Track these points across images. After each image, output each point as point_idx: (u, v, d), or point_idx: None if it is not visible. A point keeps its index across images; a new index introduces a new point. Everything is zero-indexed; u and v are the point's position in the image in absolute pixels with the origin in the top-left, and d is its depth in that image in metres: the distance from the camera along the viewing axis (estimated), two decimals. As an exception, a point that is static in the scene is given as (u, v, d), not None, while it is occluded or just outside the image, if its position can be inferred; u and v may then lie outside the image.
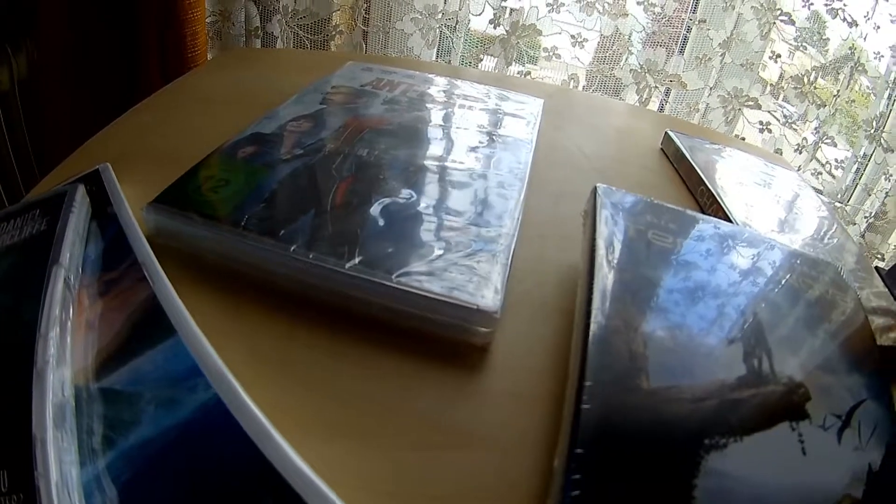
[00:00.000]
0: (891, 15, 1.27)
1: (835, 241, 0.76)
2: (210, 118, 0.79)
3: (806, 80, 1.35)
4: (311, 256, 0.50)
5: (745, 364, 0.45)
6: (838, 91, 1.35)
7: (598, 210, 0.57)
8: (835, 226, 0.80)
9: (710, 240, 0.57)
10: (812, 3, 1.30)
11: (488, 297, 0.48)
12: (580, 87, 1.45)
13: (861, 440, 0.42)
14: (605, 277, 0.49)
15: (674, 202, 0.62)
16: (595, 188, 0.60)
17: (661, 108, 1.48)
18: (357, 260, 0.50)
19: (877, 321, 0.59)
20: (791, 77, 1.36)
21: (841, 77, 1.34)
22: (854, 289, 0.56)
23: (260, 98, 0.83)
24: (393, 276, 0.49)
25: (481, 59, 1.46)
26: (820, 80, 1.35)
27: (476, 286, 0.49)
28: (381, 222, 0.56)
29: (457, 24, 1.42)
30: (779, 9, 1.30)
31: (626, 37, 1.38)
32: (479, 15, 1.40)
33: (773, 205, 0.83)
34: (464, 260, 0.52)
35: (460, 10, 1.40)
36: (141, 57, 1.31)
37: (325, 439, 0.40)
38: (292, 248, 0.51)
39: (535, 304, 0.56)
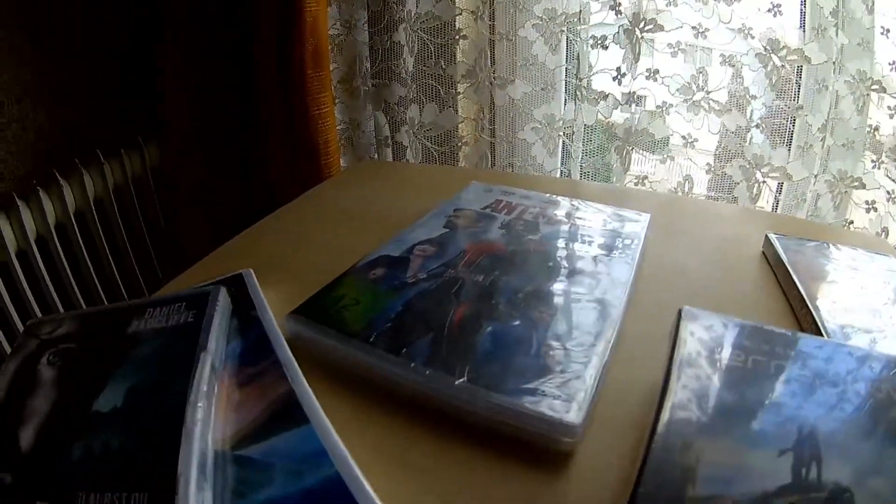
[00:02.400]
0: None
1: None
2: (341, 232, 0.86)
3: None
4: (427, 372, 0.58)
5: (793, 472, 0.47)
6: None
7: (679, 332, 0.60)
8: None
9: (785, 355, 0.58)
10: None
11: (572, 412, 0.53)
12: (694, 188, 1.44)
13: None
14: (676, 397, 0.53)
15: (767, 313, 0.68)
16: (680, 311, 0.62)
17: (776, 204, 1.45)
18: (466, 377, 0.57)
19: None
20: (890, 148, 1.30)
21: None
22: None
23: (388, 215, 0.91)
24: (494, 392, 0.55)
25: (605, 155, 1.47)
26: None
27: (563, 403, 0.54)
28: (490, 345, 0.62)
29: (574, 132, 1.45)
30: (870, 78, 1.25)
31: (735, 133, 1.36)
32: (592, 125, 1.42)
33: (873, 302, 0.79)
34: (557, 379, 0.57)
35: (576, 118, 1.43)
36: (272, 164, 1.41)
37: None
38: (412, 365, 0.59)
39: (619, 420, 0.58)
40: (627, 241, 0.89)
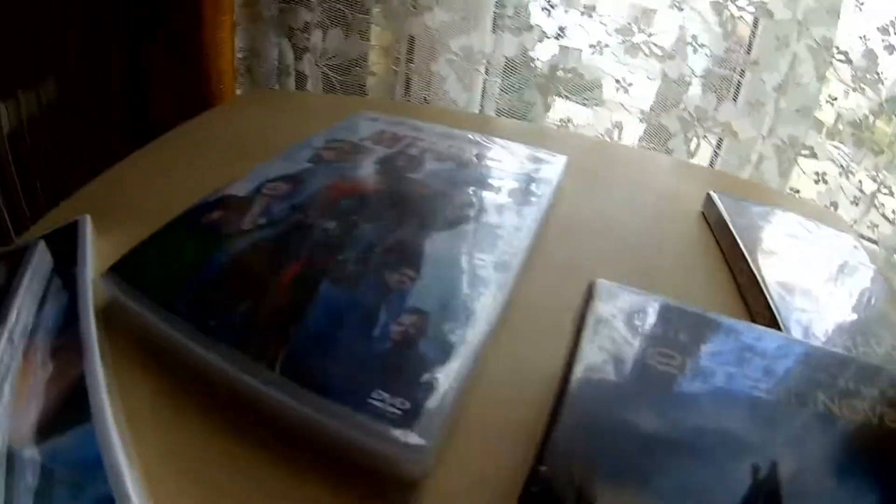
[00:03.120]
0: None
1: (883, 314, 0.67)
2: (210, 169, 0.74)
3: (864, 125, 1.24)
4: (235, 355, 0.45)
5: None
6: (894, 135, 1.24)
7: (587, 318, 0.46)
8: (884, 297, 0.70)
9: (728, 359, 0.45)
10: (868, 38, 1.19)
11: (421, 427, 0.40)
12: (624, 138, 1.36)
13: None
14: (573, 420, 0.39)
15: (707, 286, 0.61)
16: (591, 284, 0.50)
17: (714, 161, 1.39)
18: (279, 365, 0.44)
19: None
20: (848, 122, 1.25)
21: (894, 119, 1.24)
22: None
23: (269, 146, 0.78)
24: (313, 393, 0.42)
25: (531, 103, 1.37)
26: (878, 123, 1.25)
27: (408, 413, 0.41)
28: (321, 320, 0.48)
29: (490, 66, 1.35)
30: (836, 46, 1.20)
31: (677, 82, 1.29)
32: (511, 57, 1.34)
33: (818, 276, 0.72)
34: (404, 376, 0.44)
35: (495, 51, 1.33)
36: (160, 100, 1.33)
37: None
38: (219, 344, 0.46)
39: (494, 430, 0.46)
40: (534, 187, 0.75)
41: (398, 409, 0.41)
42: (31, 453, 0.40)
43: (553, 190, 0.76)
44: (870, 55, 1.19)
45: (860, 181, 1.29)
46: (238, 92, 1.38)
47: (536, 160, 0.82)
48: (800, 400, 0.43)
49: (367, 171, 0.73)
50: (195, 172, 0.74)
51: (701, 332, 0.47)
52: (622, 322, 0.46)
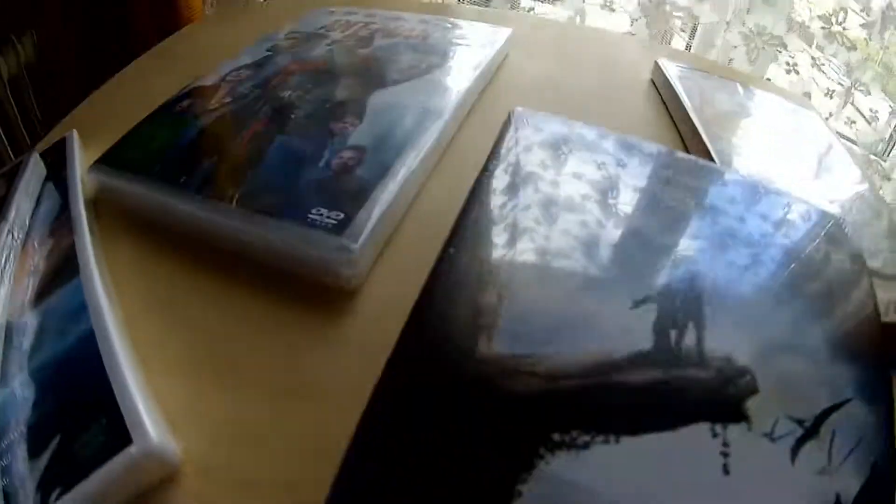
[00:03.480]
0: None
1: (859, 197, 0.63)
2: (186, 79, 0.74)
3: (835, 19, 1.24)
4: (200, 200, 0.51)
5: (655, 334, 0.34)
6: (869, 35, 1.24)
7: (504, 135, 0.49)
8: (857, 176, 0.66)
9: (647, 173, 0.47)
10: None
11: (352, 232, 0.46)
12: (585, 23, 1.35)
13: (832, 459, 0.30)
14: (483, 207, 0.42)
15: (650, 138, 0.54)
16: (511, 111, 0.52)
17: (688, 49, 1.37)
18: (236, 201, 0.50)
19: (885, 291, 0.47)
20: (818, 16, 1.25)
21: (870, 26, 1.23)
22: (858, 248, 0.45)
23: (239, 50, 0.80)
24: (266, 217, 0.48)
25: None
26: (852, 26, 1.25)
27: (341, 222, 0.46)
28: (275, 163, 0.54)
29: None
30: None
31: None
32: None
33: (780, 149, 0.68)
34: (342, 196, 0.49)
35: None
36: (133, 14, 1.31)
37: (179, 375, 0.41)
38: (187, 192, 0.51)
39: (425, 247, 0.47)
40: (475, 51, 0.76)
41: (333, 220, 0.46)
42: (27, 318, 0.44)
43: (495, 53, 0.77)
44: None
45: (833, 80, 1.29)
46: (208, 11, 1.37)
47: (482, 33, 0.83)
48: (730, 221, 0.44)
49: (320, 51, 0.75)
50: (174, 84, 0.74)
51: (622, 148, 0.49)
52: (538, 140, 0.49)
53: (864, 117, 1.32)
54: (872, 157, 1.32)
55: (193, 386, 0.41)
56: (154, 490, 0.34)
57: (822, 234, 0.45)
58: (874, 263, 0.50)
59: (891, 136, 1.34)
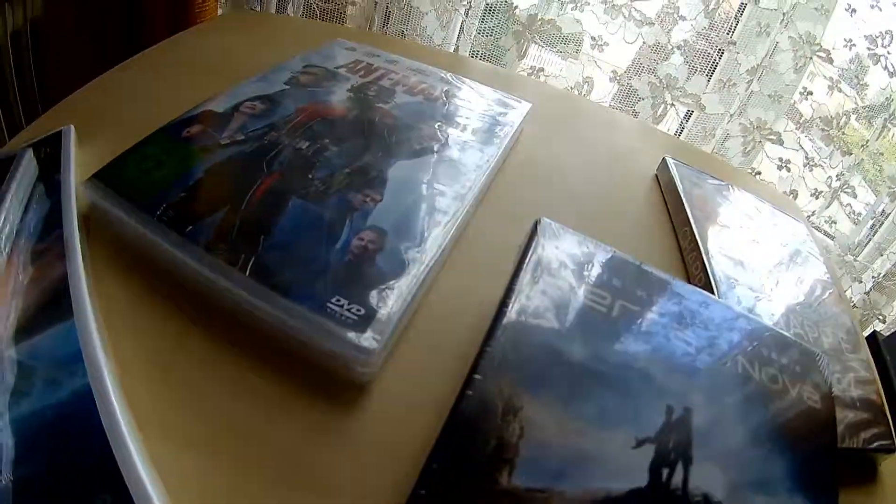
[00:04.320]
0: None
1: (829, 310, 0.69)
2: (189, 85, 0.75)
3: (836, 123, 1.27)
4: (208, 259, 0.49)
5: (650, 473, 0.37)
6: (867, 141, 1.28)
7: (530, 250, 0.50)
8: (832, 292, 0.72)
9: (659, 309, 0.49)
10: (854, 45, 1.21)
11: (373, 331, 0.45)
12: (593, 96, 1.36)
13: None
14: (507, 337, 0.42)
15: (649, 243, 0.62)
16: (537, 222, 0.53)
17: (680, 132, 1.40)
18: (249, 269, 0.48)
19: (850, 417, 0.53)
20: (820, 118, 1.28)
21: (874, 126, 1.26)
22: (828, 382, 0.48)
23: (247, 67, 0.79)
24: (277, 294, 0.46)
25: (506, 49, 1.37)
26: (854, 123, 1.28)
27: (362, 318, 0.45)
28: (289, 230, 0.52)
29: (470, 8, 1.34)
30: (818, 44, 1.22)
31: (653, 48, 1.30)
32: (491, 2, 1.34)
33: (767, 258, 0.74)
34: (361, 286, 0.48)
35: None
36: (147, 8, 1.29)
37: (182, 448, 0.40)
38: (193, 247, 0.49)
39: (438, 347, 0.50)
40: (496, 129, 0.78)
41: (354, 314, 0.45)
42: (9, 353, 0.41)
43: (514, 133, 0.79)
44: (855, 60, 1.22)
45: (827, 176, 1.33)
46: (220, 12, 1.37)
47: (502, 104, 0.84)
48: (722, 360, 0.47)
49: (340, 97, 0.74)
50: (176, 87, 0.75)
51: (636, 281, 0.51)
52: (562, 259, 0.50)
53: (852, 211, 1.37)
54: (848, 258, 1.36)
55: (194, 460, 0.40)
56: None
57: (799, 370, 0.48)
58: (840, 388, 0.56)
59: (866, 236, 1.38)
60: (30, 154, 0.57)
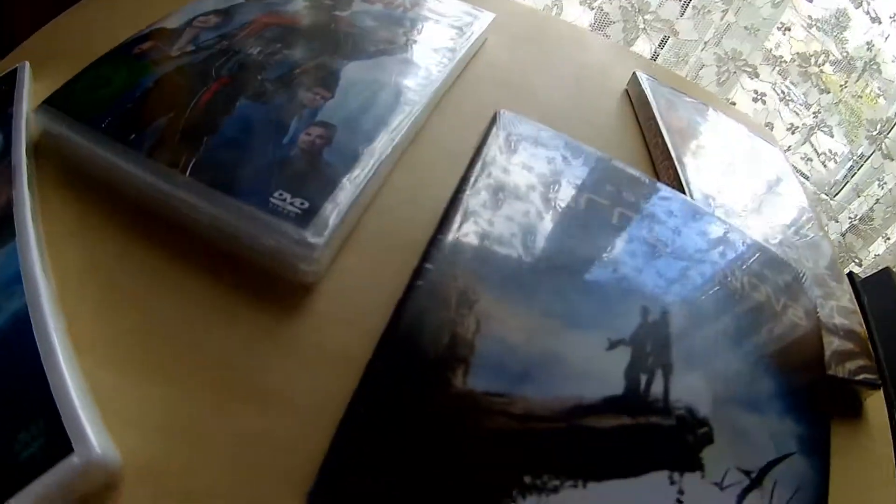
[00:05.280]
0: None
1: (809, 236, 0.67)
2: (146, 16, 0.70)
3: (814, 60, 1.28)
4: (150, 164, 0.48)
5: (627, 379, 0.35)
6: (845, 82, 1.29)
7: (488, 140, 0.49)
8: (812, 220, 0.71)
9: (632, 206, 0.47)
10: None
11: (317, 225, 0.44)
12: (562, 17, 1.35)
13: None
14: (463, 227, 0.41)
15: (619, 153, 0.57)
16: (497, 113, 0.52)
17: (655, 58, 1.39)
18: (190, 169, 0.47)
19: (835, 344, 0.51)
20: (798, 54, 1.28)
21: (854, 72, 1.27)
22: (814, 302, 0.48)
23: None
24: (220, 192, 0.46)
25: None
26: (829, 68, 1.29)
27: (306, 212, 0.45)
28: (235, 131, 0.51)
29: None
30: None
31: None
32: None
33: (744, 180, 0.72)
34: (307, 181, 0.47)
35: None
36: None
37: (119, 365, 0.39)
38: (136, 153, 0.48)
39: (388, 244, 0.50)
40: (455, 34, 0.76)
41: (297, 208, 0.44)
42: None
43: (476, 39, 0.78)
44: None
45: (805, 112, 1.34)
46: None
47: (465, 13, 0.83)
48: (700, 262, 0.45)
49: (296, 6, 0.73)
50: (137, 19, 0.70)
51: (606, 176, 0.49)
52: (521, 149, 0.48)
53: (826, 154, 1.38)
54: (823, 196, 1.37)
55: (133, 379, 0.39)
56: (93, 497, 0.33)
57: (783, 284, 0.47)
58: (824, 313, 0.54)
59: (844, 177, 1.40)
60: (-18, 89, 0.57)
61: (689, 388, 0.36)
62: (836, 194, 1.41)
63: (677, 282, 0.43)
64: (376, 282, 0.46)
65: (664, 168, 0.68)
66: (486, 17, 0.82)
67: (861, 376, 0.51)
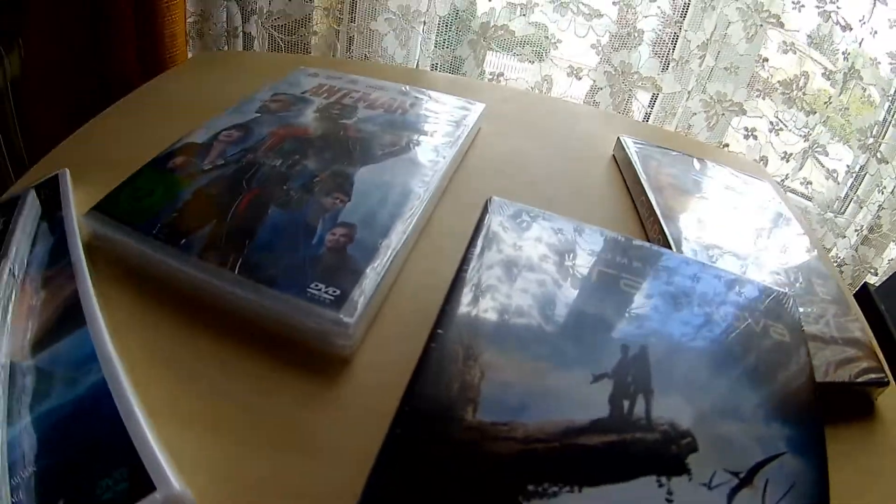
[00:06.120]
0: (889, 20, 1.21)
1: (800, 257, 0.71)
2: (168, 124, 0.79)
3: (795, 85, 1.30)
4: (202, 264, 0.55)
5: (610, 405, 0.40)
6: (830, 98, 1.30)
7: (482, 225, 0.55)
8: (807, 244, 0.74)
9: (617, 263, 0.54)
10: (803, 6, 1.24)
11: (348, 307, 0.51)
12: (553, 91, 1.41)
13: (766, 502, 0.37)
14: (466, 296, 0.48)
15: (607, 214, 0.64)
16: (488, 200, 0.58)
17: (647, 119, 1.43)
18: (238, 268, 0.55)
19: (833, 353, 0.55)
20: (779, 82, 1.31)
21: (834, 84, 1.29)
22: (797, 320, 0.51)
23: (220, 103, 0.84)
24: (264, 286, 0.53)
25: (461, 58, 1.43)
26: (815, 83, 1.31)
27: (338, 298, 0.52)
28: (269, 234, 0.59)
29: (425, 24, 1.39)
30: (766, 10, 1.25)
31: (610, 43, 1.33)
32: (445, 16, 1.39)
33: (733, 220, 0.76)
34: (336, 272, 0.55)
35: (428, 9, 1.38)
36: (117, 58, 1.32)
37: (187, 426, 0.45)
38: (188, 256, 0.56)
39: (409, 320, 0.56)
40: (451, 130, 0.85)
41: (331, 295, 0.52)
42: (30, 362, 0.46)
43: (470, 131, 0.86)
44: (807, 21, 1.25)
45: (796, 139, 1.36)
46: (189, 55, 1.41)
47: (458, 107, 0.92)
48: (676, 301, 0.50)
49: (307, 118, 0.81)
50: (156, 127, 0.79)
51: (587, 240, 0.56)
52: (510, 228, 0.55)
53: (826, 169, 1.38)
54: (828, 215, 1.37)
55: (199, 437, 0.44)
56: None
57: (762, 308, 0.51)
58: (818, 327, 0.58)
59: (846, 194, 1.40)
60: (33, 194, 0.63)
61: (670, 407, 0.41)
62: (843, 210, 1.41)
63: (654, 319, 0.48)
64: (400, 348, 0.50)
65: (650, 224, 0.72)
66: (477, 108, 0.90)
67: (864, 377, 0.54)
